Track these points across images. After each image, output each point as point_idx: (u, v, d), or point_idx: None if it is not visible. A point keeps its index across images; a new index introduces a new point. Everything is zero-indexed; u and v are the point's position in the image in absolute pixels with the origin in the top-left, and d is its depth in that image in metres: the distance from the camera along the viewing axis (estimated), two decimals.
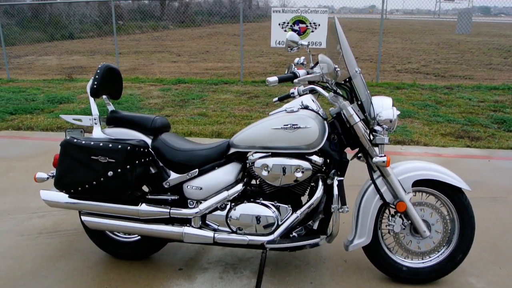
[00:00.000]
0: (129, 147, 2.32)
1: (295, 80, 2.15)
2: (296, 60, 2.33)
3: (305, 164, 2.31)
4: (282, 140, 2.32)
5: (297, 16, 8.76)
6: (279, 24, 8.85)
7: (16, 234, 3.04)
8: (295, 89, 2.66)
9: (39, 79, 9.98)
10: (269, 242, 2.36)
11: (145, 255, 2.75)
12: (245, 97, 7.71)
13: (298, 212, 2.37)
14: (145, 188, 2.65)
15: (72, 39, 20.00)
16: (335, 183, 2.26)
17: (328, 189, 2.38)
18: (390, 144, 5.00)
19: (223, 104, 7.13)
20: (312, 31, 8.76)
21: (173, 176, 2.50)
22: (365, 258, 2.51)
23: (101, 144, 2.33)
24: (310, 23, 8.74)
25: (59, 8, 20.68)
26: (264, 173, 2.34)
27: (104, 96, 2.69)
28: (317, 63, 2.34)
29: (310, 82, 2.24)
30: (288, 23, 8.82)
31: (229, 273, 2.60)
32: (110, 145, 2.32)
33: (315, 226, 2.42)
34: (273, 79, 2.09)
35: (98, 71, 2.57)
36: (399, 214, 2.40)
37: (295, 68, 2.29)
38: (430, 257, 2.49)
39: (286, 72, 2.34)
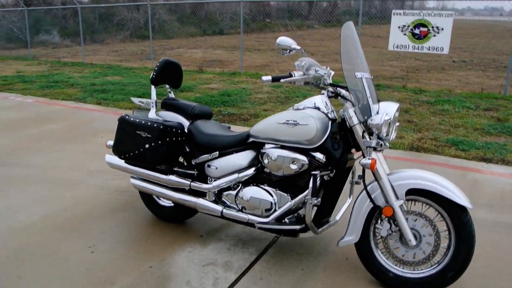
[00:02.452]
0: (161, 127, 2.84)
1: (282, 80, 2.38)
2: (297, 62, 2.55)
3: (302, 157, 2.53)
4: (284, 134, 2.57)
5: (419, 19, 8.39)
6: (399, 27, 8.60)
7: (98, 188, 3.88)
8: (325, 90, 2.88)
9: None
10: (261, 223, 2.66)
11: (179, 220, 3.28)
12: None
13: (292, 201, 2.61)
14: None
15: (221, 34, 22.02)
16: (311, 177, 2.44)
17: (325, 184, 2.56)
18: (473, 161, 4.66)
19: None
20: (434, 36, 8.30)
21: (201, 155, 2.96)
22: None
23: (143, 122, 2.91)
24: (433, 27, 8.29)
25: (215, 6, 22.93)
26: (266, 161, 2.63)
27: (167, 86, 3.29)
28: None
29: (306, 83, 2.45)
30: (408, 26, 8.51)
31: (237, 247, 2.96)
32: (149, 123, 2.88)
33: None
34: (267, 78, 2.37)
35: (158, 64, 3.16)
36: (387, 219, 2.45)
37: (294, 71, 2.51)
38: (421, 269, 2.48)
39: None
